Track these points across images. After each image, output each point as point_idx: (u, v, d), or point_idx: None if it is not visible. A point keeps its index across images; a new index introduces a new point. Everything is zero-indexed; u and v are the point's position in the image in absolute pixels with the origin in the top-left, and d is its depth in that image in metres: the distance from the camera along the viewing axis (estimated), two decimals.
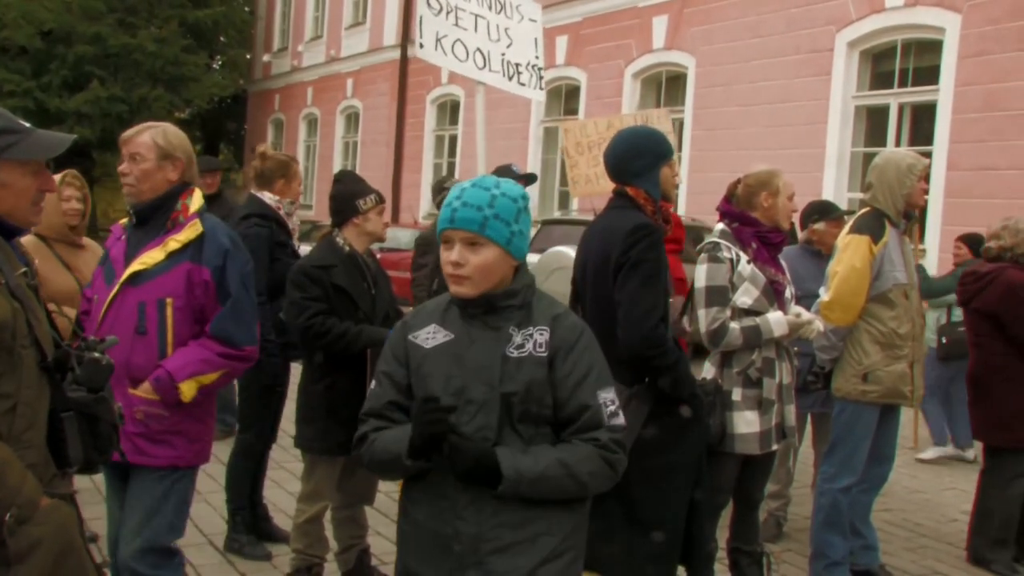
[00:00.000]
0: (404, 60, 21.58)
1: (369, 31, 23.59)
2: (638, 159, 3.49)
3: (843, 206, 12.26)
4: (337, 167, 24.56)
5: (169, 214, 3.12)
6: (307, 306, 3.87)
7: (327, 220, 4.52)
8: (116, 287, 3.07)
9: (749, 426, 3.74)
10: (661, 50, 15.15)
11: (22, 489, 2.04)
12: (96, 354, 2.21)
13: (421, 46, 5.02)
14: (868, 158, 12.45)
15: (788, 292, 3.92)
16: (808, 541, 4.71)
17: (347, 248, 4.04)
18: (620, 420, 2.24)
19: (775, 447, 3.87)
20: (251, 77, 30.42)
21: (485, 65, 5.04)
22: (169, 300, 3.02)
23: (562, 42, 17.11)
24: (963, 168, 10.95)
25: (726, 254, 3.78)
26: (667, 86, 15.59)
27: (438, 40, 4.93)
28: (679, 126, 15.09)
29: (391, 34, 22.43)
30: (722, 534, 4.11)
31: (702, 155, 14.18)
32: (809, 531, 4.64)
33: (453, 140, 20.61)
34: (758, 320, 3.73)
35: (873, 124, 12.55)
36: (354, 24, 24.39)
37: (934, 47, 11.59)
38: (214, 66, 28.99)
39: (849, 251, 4.31)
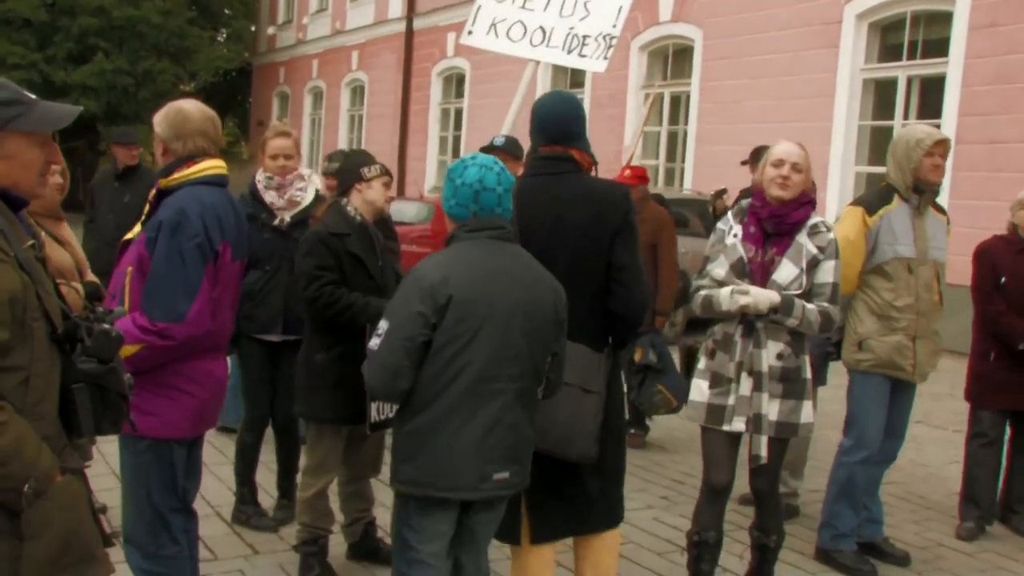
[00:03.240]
0: (410, 33, 21.46)
1: (374, 3, 23.43)
2: (579, 122, 3.47)
3: (851, 179, 12.29)
4: (343, 140, 24.49)
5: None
6: (317, 276, 3.86)
7: (328, 194, 4.61)
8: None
9: (699, 395, 3.83)
10: (668, 23, 15.05)
11: (38, 462, 2.06)
12: (105, 325, 2.22)
13: (470, 32, 5.54)
14: (876, 131, 12.39)
15: (783, 275, 3.67)
16: (816, 513, 4.76)
17: (359, 218, 4.03)
18: (371, 344, 2.92)
19: (728, 428, 3.71)
20: (256, 50, 30.30)
21: (543, 41, 5.43)
22: (129, 269, 3.05)
23: None
24: (972, 141, 10.88)
25: (722, 225, 3.89)
26: (674, 59, 15.49)
27: (493, 25, 5.30)
28: (685, 99, 15.01)
29: (396, 6, 22.28)
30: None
31: (709, 128, 14.11)
32: (822, 503, 4.70)
33: (459, 113, 20.51)
34: (714, 291, 3.76)
35: (881, 97, 12.47)
36: None
37: (944, 19, 11.49)
38: (219, 39, 28.87)
39: (844, 222, 4.42)
